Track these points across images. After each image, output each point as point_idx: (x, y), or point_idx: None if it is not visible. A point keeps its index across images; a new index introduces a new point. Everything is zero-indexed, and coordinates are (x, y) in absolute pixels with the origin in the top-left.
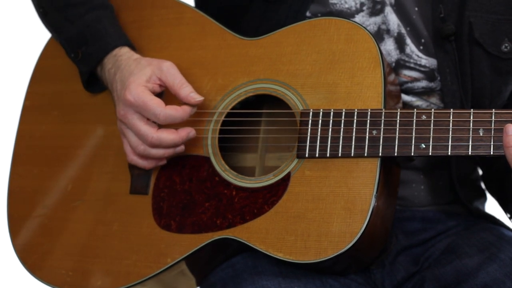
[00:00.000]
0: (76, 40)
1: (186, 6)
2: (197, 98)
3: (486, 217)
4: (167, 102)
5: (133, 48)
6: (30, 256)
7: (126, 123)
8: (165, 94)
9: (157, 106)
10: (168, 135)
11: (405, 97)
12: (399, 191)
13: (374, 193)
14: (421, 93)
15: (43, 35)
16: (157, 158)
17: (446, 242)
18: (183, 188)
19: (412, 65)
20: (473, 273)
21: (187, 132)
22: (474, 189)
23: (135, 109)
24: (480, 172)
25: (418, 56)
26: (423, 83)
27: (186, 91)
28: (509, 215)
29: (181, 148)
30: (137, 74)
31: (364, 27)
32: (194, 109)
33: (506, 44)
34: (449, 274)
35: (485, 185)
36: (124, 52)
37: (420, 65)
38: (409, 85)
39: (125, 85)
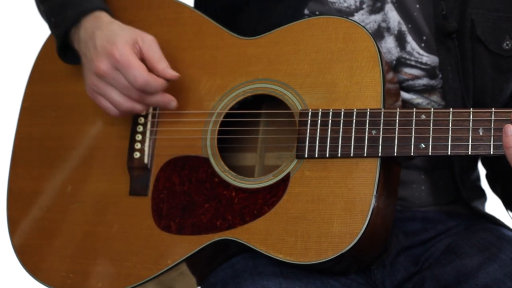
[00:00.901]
0: (58, 6)
1: (183, 6)
2: (172, 73)
3: (486, 217)
4: None
5: (112, 15)
6: (30, 258)
7: (108, 78)
8: None
9: (140, 68)
10: (155, 78)
11: (405, 95)
12: (400, 192)
13: (374, 193)
14: (422, 91)
15: (41, 36)
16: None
17: (447, 242)
18: (182, 189)
19: (413, 62)
20: (473, 273)
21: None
22: (474, 189)
23: (117, 67)
24: (483, 171)
25: (419, 53)
26: (424, 81)
27: (163, 65)
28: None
29: (173, 104)
30: (123, 35)
31: (362, 26)
32: (167, 84)
33: (508, 42)
34: (449, 274)
35: (489, 184)
36: (105, 15)
37: (421, 63)
38: (410, 82)
39: (111, 42)
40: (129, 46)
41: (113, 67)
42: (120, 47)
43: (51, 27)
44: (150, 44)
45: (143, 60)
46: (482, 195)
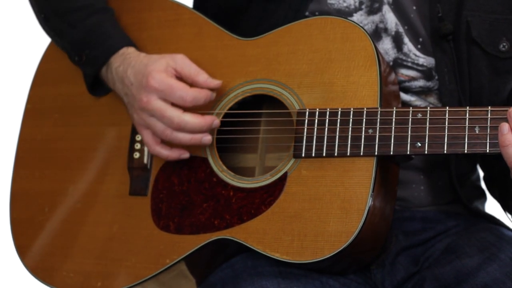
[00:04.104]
0: (79, 44)
1: (184, 7)
2: (215, 81)
3: (486, 217)
4: None
5: (137, 48)
6: (33, 258)
7: (150, 110)
8: None
9: (184, 88)
10: (194, 118)
11: (404, 96)
12: (399, 192)
13: (370, 192)
14: (419, 92)
15: (45, 38)
16: (183, 143)
17: (446, 242)
18: (181, 189)
19: (409, 64)
20: (473, 273)
21: (212, 119)
22: (474, 189)
23: (159, 95)
24: (482, 173)
25: (415, 55)
26: (421, 82)
27: (204, 77)
28: (510, 216)
29: (208, 139)
30: (153, 64)
31: (360, 26)
32: (214, 93)
33: (504, 44)
34: (449, 274)
35: (487, 187)
36: (131, 51)
37: (417, 64)
38: (406, 84)
39: (145, 74)
40: (163, 71)
41: (156, 97)
42: (155, 75)
43: (73, 62)
44: (182, 61)
45: (181, 79)
46: (482, 195)
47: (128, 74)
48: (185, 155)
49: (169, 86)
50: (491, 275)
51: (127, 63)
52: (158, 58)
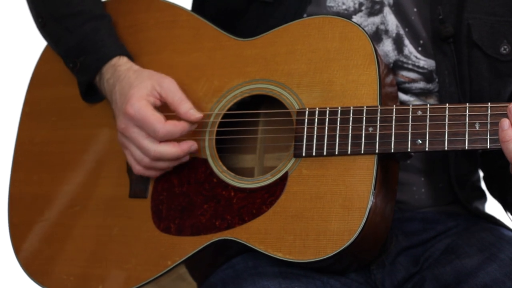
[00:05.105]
0: (74, 50)
1: (181, 9)
2: (196, 115)
3: (486, 217)
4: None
5: (130, 58)
6: (32, 262)
7: (127, 137)
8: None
9: (157, 122)
10: (170, 149)
11: (403, 97)
12: (400, 195)
13: (372, 190)
14: (419, 94)
15: (42, 40)
16: (162, 170)
17: (446, 242)
18: (181, 191)
19: (410, 66)
20: (473, 273)
21: (188, 145)
22: (474, 189)
23: (135, 123)
24: (481, 173)
25: (416, 57)
26: (421, 84)
27: (186, 107)
28: (510, 215)
29: (186, 158)
30: (137, 87)
31: (358, 25)
32: (193, 125)
33: (505, 46)
34: (449, 274)
35: (487, 186)
36: (123, 63)
37: (418, 66)
38: (407, 85)
39: (126, 98)
40: (144, 99)
41: (132, 125)
42: (133, 103)
43: (69, 68)
44: (168, 87)
45: (165, 104)
46: (482, 196)
47: (116, 90)
48: (169, 169)
49: (144, 118)
50: (491, 275)
51: (116, 76)
52: (146, 78)
